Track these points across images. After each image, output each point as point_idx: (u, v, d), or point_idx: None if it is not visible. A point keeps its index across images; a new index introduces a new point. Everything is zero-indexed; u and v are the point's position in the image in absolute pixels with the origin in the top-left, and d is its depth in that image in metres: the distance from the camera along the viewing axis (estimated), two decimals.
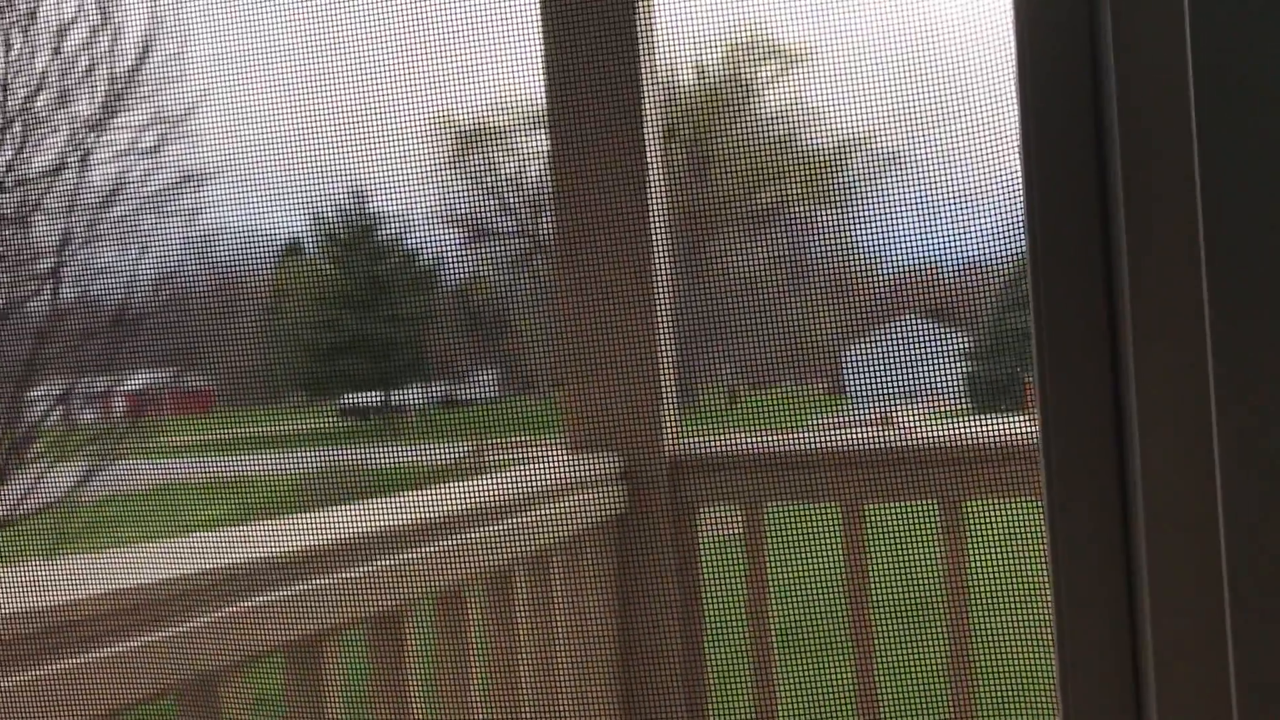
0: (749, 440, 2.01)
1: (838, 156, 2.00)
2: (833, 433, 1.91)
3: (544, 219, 2.23)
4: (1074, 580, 0.77)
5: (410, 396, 2.35)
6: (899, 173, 1.80)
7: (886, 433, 1.78)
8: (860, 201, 2.00)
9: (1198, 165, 0.64)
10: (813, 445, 1.87)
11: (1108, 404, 0.76)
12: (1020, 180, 1.48)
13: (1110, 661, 0.76)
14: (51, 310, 2.04)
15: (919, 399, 1.75)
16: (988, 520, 1.68)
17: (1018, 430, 1.71)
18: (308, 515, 1.63)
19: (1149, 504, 0.73)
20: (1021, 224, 1.65)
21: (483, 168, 2.24)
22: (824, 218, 2.08)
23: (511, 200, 2.29)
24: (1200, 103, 0.64)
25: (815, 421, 1.99)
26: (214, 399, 2.28)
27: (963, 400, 1.89)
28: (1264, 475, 0.64)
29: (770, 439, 1.96)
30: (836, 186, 2.02)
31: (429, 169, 2.02)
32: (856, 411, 1.92)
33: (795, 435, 1.95)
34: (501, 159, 2.24)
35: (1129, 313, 0.73)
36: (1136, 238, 0.73)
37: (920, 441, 1.73)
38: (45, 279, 2.07)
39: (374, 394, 2.39)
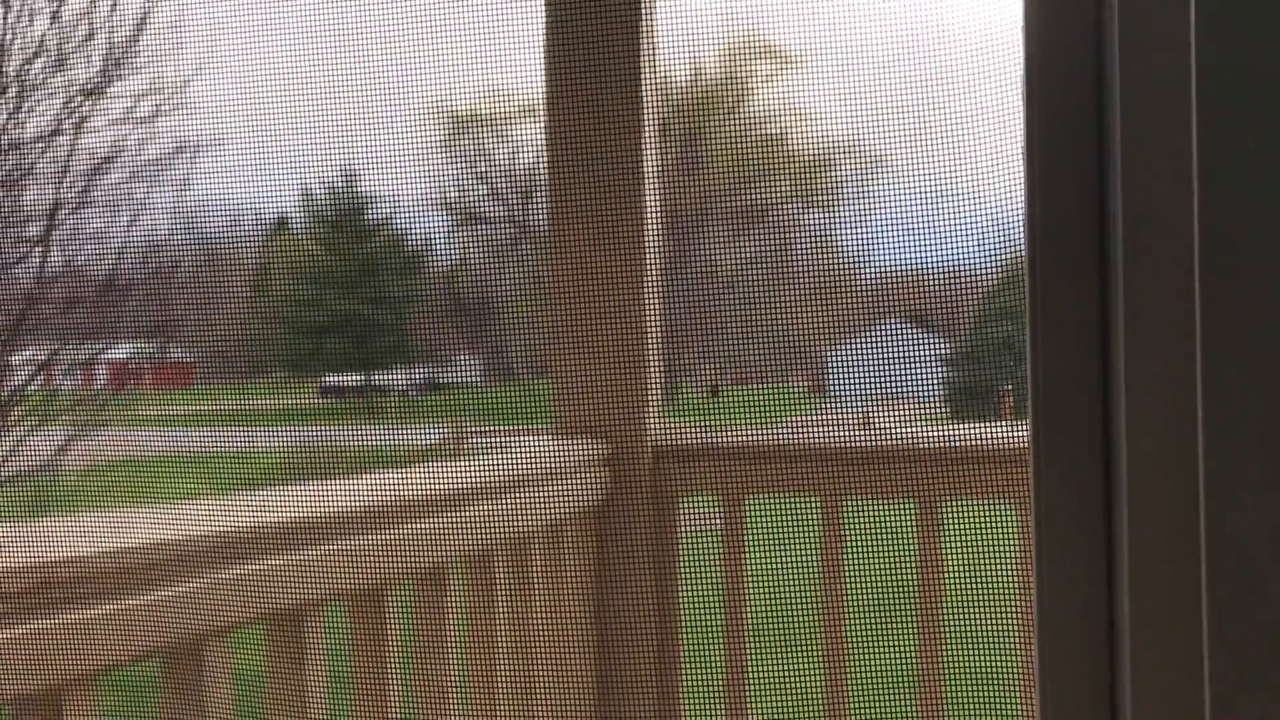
0: (731, 432, 2.03)
1: (828, 158, 2.02)
2: (813, 430, 1.93)
3: (534, 207, 2.24)
4: (1056, 585, 0.79)
5: (393, 379, 2.35)
6: (888, 177, 1.83)
7: (866, 433, 1.81)
8: (848, 204, 2.03)
9: (1196, 180, 0.66)
10: (794, 439, 1.90)
11: (1097, 410, 0.77)
12: (1012, 188, 1.51)
13: (1088, 664, 0.78)
14: (39, 276, 2.04)
15: (899, 401, 1.78)
16: (963, 520, 1.71)
17: (995, 435, 1.74)
18: (290, 489, 1.64)
19: (1134, 511, 0.74)
20: (1007, 233, 1.68)
21: (475, 153, 2.24)
22: (813, 219, 2.10)
23: (502, 187, 2.30)
24: (1202, 116, 0.65)
25: (795, 418, 2.02)
26: (194, 373, 2.28)
27: (941, 406, 1.92)
28: (1248, 484, 0.65)
29: (752, 433, 1.98)
30: (826, 188, 2.05)
31: (421, 152, 2.03)
32: (837, 410, 1.95)
33: (776, 430, 1.98)
34: (495, 145, 2.25)
35: (1122, 320, 0.75)
36: (1133, 248, 0.74)
37: (899, 441, 1.76)
38: (34, 244, 2.06)
39: (356, 375, 2.39)
